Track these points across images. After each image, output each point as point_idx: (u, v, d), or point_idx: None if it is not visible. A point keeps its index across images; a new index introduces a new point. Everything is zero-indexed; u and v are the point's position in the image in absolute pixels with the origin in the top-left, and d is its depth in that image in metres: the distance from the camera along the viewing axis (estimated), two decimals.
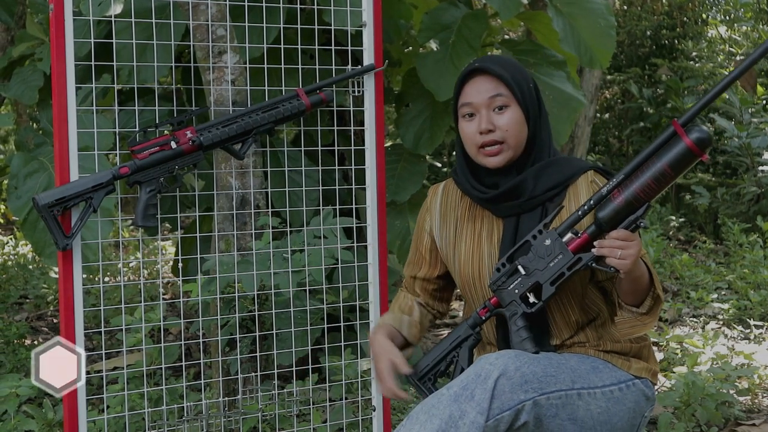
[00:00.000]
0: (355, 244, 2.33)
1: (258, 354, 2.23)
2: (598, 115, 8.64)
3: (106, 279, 5.35)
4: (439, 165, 7.92)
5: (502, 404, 1.51)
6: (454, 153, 7.86)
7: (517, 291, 1.65)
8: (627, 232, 1.54)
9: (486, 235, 1.76)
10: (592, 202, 1.59)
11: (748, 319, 4.24)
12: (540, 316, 1.68)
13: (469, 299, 1.81)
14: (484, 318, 1.71)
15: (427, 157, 4.29)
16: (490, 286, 1.69)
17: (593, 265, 1.58)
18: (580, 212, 1.62)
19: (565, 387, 1.59)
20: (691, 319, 4.41)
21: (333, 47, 2.55)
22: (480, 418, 1.49)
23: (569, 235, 1.62)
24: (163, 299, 4.59)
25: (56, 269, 3.09)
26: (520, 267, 1.65)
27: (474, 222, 1.79)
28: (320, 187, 2.40)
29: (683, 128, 1.52)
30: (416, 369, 1.73)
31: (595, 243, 1.58)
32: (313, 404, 2.34)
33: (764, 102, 7.54)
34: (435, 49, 3.14)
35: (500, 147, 1.70)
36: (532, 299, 1.64)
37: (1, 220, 8.24)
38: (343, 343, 2.41)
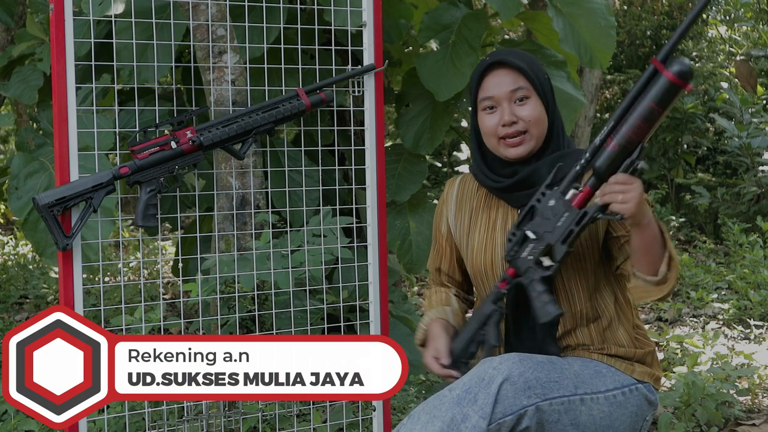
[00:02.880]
0: (355, 244, 2.33)
1: None
2: (598, 115, 8.63)
3: (106, 279, 5.35)
4: (439, 165, 7.91)
5: (505, 409, 1.52)
6: (454, 153, 7.87)
7: (530, 257, 1.63)
8: (625, 176, 1.53)
9: (500, 225, 1.76)
10: (588, 155, 1.59)
11: (748, 319, 4.24)
12: (550, 290, 1.67)
13: (480, 288, 1.81)
14: (504, 291, 1.69)
15: (427, 157, 4.28)
16: (506, 256, 1.66)
17: (599, 215, 1.57)
18: (578, 167, 1.61)
19: (568, 393, 1.59)
20: (691, 319, 4.41)
21: (333, 47, 2.55)
22: (482, 422, 1.50)
23: (572, 191, 1.61)
24: (163, 299, 4.59)
25: (56, 269, 3.09)
26: (528, 233, 1.63)
27: (489, 211, 1.79)
28: (320, 187, 2.40)
29: (663, 63, 1.52)
30: (448, 355, 1.72)
31: (597, 193, 1.58)
32: (313, 404, 2.34)
33: (764, 102, 7.53)
34: (435, 49, 3.14)
35: (523, 137, 1.71)
36: (547, 262, 1.62)
37: (1, 220, 8.24)
38: None
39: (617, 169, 1.55)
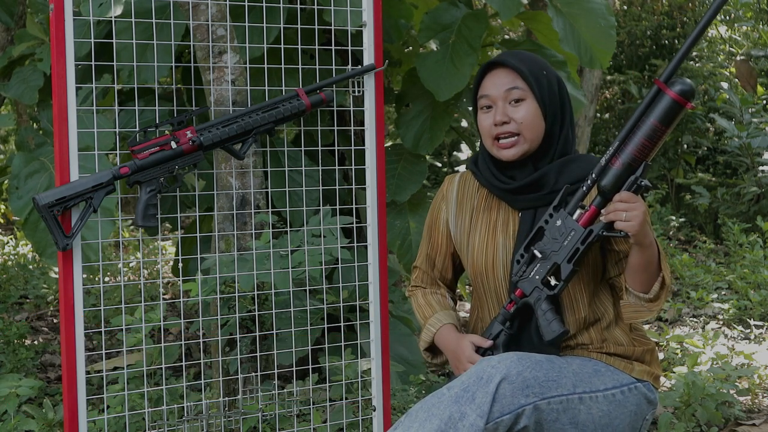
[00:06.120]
0: (355, 244, 2.33)
1: (258, 354, 2.23)
2: (598, 115, 8.63)
3: (106, 279, 5.35)
4: (439, 165, 7.91)
5: (503, 408, 1.52)
6: (454, 153, 7.87)
7: (537, 277, 1.66)
8: (629, 194, 1.57)
9: (501, 226, 1.77)
10: (594, 175, 1.62)
11: (748, 319, 4.24)
12: (555, 309, 1.69)
13: (479, 289, 1.81)
14: (512, 311, 1.71)
15: (427, 157, 4.29)
16: (512, 278, 1.69)
17: (604, 233, 1.60)
18: (584, 187, 1.64)
19: (566, 392, 1.59)
20: (691, 319, 4.41)
21: (333, 47, 2.55)
22: (480, 421, 1.50)
23: (578, 211, 1.65)
24: (163, 299, 4.59)
25: (56, 269, 3.09)
26: (536, 252, 1.67)
27: (489, 212, 1.80)
28: (320, 187, 2.40)
29: (665, 83, 1.58)
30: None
31: (602, 211, 1.61)
32: (313, 404, 2.34)
33: (764, 102, 7.53)
34: (435, 49, 3.14)
35: (515, 140, 1.72)
36: (553, 282, 1.66)
37: (2, 220, 8.24)
38: (343, 343, 2.41)
39: (622, 187, 1.58)
